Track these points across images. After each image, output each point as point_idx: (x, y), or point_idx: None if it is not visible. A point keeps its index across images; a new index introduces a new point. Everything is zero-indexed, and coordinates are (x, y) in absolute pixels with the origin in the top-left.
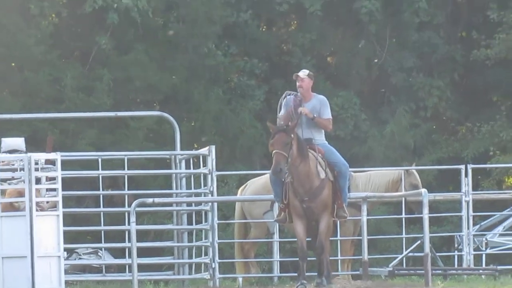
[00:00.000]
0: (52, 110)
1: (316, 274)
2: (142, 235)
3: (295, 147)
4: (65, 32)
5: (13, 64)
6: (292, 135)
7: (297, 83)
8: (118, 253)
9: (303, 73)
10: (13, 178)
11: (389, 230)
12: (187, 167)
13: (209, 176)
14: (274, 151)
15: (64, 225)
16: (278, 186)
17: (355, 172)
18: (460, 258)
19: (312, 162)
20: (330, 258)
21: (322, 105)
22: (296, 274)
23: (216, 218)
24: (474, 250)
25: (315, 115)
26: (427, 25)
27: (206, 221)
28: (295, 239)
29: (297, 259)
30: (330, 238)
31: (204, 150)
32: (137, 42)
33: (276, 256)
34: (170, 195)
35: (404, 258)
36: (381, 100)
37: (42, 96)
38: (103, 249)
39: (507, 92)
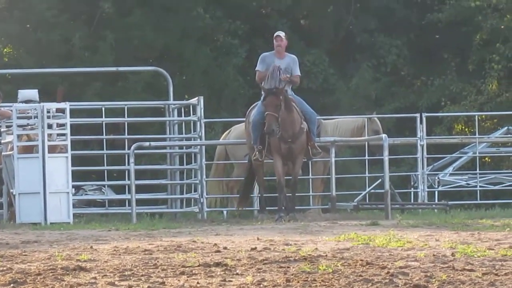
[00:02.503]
0: (62, 66)
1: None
2: (140, 174)
3: (283, 105)
4: None
5: (28, 25)
6: (281, 97)
7: (276, 43)
8: (119, 189)
9: (282, 34)
10: (28, 125)
11: (354, 170)
12: (179, 115)
13: (198, 123)
14: (266, 113)
15: (72, 165)
16: (258, 131)
17: (324, 119)
18: (416, 194)
19: (295, 111)
20: (303, 194)
21: (294, 64)
22: (274, 208)
23: (204, 159)
24: (428, 187)
25: (289, 76)
26: None
27: (195, 161)
28: (274, 178)
29: (275, 195)
30: (303, 177)
31: (194, 100)
32: (136, 7)
33: (256, 192)
34: (164, 139)
35: (367, 194)
36: (347, 57)
37: (54, 54)
38: (106, 186)
39: (456, 50)
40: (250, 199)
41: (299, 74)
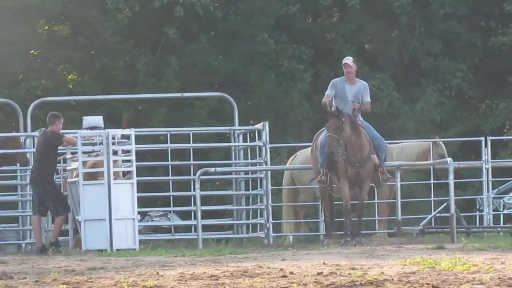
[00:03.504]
0: (127, 92)
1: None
2: (205, 200)
3: (348, 127)
4: (138, 24)
5: (92, 52)
6: (343, 119)
7: (345, 70)
8: (185, 215)
9: (350, 61)
10: (93, 151)
11: (419, 194)
12: (244, 140)
13: (264, 148)
14: (328, 134)
15: (138, 191)
16: (325, 154)
17: (389, 143)
18: (481, 218)
19: (363, 135)
20: (369, 218)
21: (365, 90)
22: (340, 233)
23: (269, 185)
24: (493, 211)
25: (359, 104)
26: (451, 16)
27: (261, 187)
28: (339, 202)
29: (341, 219)
30: (369, 201)
31: (259, 126)
32: (201, 33)
33: (322, 217)
34: (230, 165)
35: (433, 218)
36: (412, 82)
37: (118, 80)
38: (172, 212)
39: None
40: (335, 225)
41: (369, 100)
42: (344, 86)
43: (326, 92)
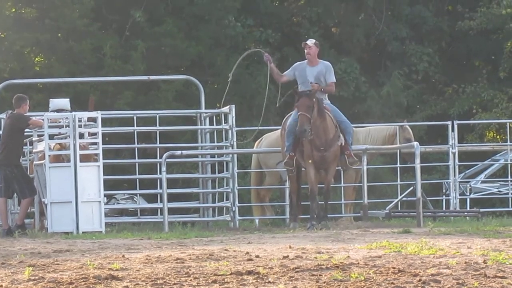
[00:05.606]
0: (93, 75)
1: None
2: (171, 183)
3: (316, 109)
4: (104, 6)
5: (59, 34)
6: (314, 99)
7: (306, 50)
8: (151, 198)
9: (311, 42)
10: (59, 134)
11: (386, 178)
12: (211, 123)
13: (230, 131)
14: (299, 113)
15: (104, 174)
16: (292, 137)
17: (356, 127)
18: (448, 202)
19: (328, 119)
20: (335, 202)
21: (328, 70)
22: (306, 216)
23: (236, 168)
24: (460, 195)
25: (322, 88)
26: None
27: (227, 170)
28: (306, 186)
29: (307, 203)
30: (335, 185)
31: (225, 109)
32: (167, 15)
33: (288, 201)
34: (196, 148)
35: (399, 202)
36: (378, 65)
37: (85, 63)
38: (138, 195)
39: (487, 58)
40: (301, 208)
41: (334, 81)
42: (305, 69)
43: (284, 73)
